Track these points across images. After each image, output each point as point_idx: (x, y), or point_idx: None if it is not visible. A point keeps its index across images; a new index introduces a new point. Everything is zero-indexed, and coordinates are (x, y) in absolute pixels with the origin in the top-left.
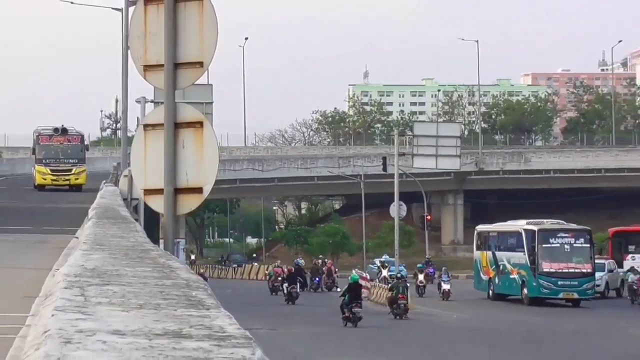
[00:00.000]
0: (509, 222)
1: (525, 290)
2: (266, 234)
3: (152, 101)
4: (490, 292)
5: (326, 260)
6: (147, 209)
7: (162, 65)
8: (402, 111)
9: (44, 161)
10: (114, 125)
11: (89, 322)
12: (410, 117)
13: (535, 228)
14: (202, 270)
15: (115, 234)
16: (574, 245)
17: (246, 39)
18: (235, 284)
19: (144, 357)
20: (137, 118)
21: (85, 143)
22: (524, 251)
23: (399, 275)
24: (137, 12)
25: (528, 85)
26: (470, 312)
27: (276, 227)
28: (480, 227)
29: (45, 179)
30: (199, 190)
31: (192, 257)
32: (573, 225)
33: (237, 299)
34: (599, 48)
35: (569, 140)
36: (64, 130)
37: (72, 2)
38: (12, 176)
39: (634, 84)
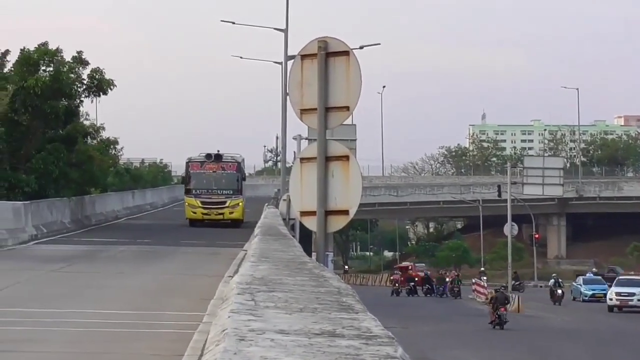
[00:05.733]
0: None
1: None
2: (400, 248)
3: (306, 138)
4: None
5: (452, 270)
6: (302, 227)
7: (315, 109)
8: (514, 147)
9: (194, 192)
10: (275, 157)
11: (259, 322)
12: (521, 152)
13: None
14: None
15: (277, 249)
16: None
17: (384, 87)
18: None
19: (305, 353)
20: (294, 152)
21: (243, 171)
22: None
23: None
24: (295, 65)
25: (621, 125)
26: None
27: (408, 242)
28: None
29: (195, 213)
30: (345, 212)
31: (346, 267)
32: None
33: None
34: None
35: None
36: (218, 157)
37: (241, 57)
38: None
39: None
